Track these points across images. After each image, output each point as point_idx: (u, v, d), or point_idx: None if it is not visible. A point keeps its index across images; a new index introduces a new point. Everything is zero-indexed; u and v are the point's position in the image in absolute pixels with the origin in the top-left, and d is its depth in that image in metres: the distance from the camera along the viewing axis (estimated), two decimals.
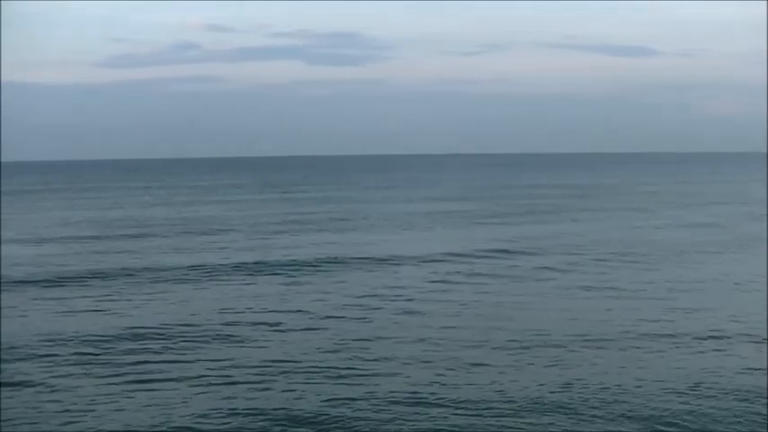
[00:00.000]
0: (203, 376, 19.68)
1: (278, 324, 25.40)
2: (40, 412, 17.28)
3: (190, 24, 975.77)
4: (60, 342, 23.11)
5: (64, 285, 32.91)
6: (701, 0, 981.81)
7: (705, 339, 23.11)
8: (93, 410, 17.45)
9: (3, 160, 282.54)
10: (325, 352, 21.90)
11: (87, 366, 20.70)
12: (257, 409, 17.38)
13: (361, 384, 19.00)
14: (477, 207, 73.69)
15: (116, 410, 17.43)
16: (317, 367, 20.34)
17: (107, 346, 22.72)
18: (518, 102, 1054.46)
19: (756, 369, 20.00)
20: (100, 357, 21.57)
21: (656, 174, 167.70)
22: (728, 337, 23.23)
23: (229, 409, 17.38)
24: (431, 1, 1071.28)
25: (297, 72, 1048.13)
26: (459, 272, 35.56)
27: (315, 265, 37.52)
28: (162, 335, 23.82)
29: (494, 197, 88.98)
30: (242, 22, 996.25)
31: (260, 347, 22.63)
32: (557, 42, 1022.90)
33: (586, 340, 23.06)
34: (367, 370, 20.16)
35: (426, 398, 17.94)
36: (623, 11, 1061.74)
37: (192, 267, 37.10)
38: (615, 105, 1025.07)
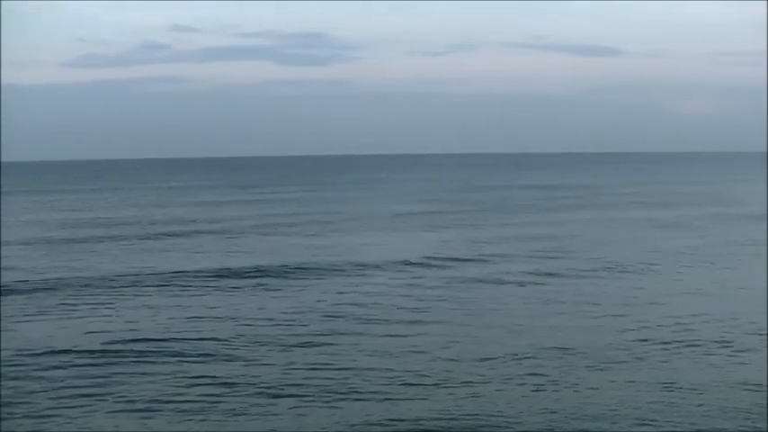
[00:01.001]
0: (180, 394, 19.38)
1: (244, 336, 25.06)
2: None
3: (156, 25, 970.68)
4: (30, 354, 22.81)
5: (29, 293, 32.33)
6: (670, 0, 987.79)
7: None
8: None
9: None
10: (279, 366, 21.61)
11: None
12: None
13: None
14: (443, 209, 73.52)
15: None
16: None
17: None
18: (486, 102, 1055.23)
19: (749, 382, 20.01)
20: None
21: (625, 173, 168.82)
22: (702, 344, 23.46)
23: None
24: (399, 1, 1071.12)
25: (265, 72, 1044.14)
26: (425, 277, 35.29)
27: (257, 272, 36.56)
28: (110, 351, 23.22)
29: (462, 199, 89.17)
30: (209, 23, 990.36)
31: (230, 362, 22.18)
32: (524, 42, 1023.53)
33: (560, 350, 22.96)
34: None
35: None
36: (591, 11, 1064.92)
37: (153, 274, 36.61)
38: (584, 105, 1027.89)
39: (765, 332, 24.27)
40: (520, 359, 21.80)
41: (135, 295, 31.84)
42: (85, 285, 33.85)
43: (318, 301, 30.25)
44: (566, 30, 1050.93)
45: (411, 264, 38.93)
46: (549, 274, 35.65)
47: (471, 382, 19.75)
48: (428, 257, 40.51)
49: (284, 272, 36.67)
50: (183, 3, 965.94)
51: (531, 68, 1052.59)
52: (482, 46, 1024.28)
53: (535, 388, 19.33)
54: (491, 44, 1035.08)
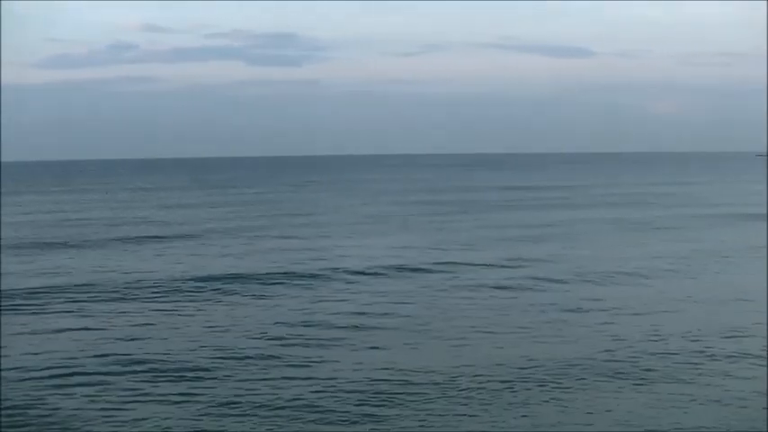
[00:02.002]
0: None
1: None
2: None
3: (125, 25, 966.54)
4: None
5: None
6: (639, 1, 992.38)
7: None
8: None
9: None
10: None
11: None
12: None
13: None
14: (408, 211, 73.52)
15: None
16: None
17: None
18: (456, 102, 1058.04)
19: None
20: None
21: (595, 174, 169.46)
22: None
23: None
24: (369, 1, 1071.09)
25: (236, 72, 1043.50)
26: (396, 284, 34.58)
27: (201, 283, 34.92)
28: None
29: (429, 201, 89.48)
30: (179, 23, 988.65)
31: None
32: (495, 43, 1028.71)
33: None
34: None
35: None
36: (561, 12, 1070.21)
37: (116, 281, 35.49)
38: (554, 106, 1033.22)
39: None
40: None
41: (92, 306, 30.31)
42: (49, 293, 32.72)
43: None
44: (536, 30, 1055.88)
45: (380, 270, 37.92)
46: (511, 279, 35.51)
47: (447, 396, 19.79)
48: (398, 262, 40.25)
49: (252, 279, 35.58)
50: (154, 3, 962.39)
51: (503, 69, 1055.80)
52: (453, 46, 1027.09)
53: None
54: (462, 44, 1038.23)
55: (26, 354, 23.17)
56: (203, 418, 18.08)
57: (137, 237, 53.43)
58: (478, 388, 19.70)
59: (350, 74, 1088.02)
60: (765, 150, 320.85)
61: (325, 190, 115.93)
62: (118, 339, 25.09)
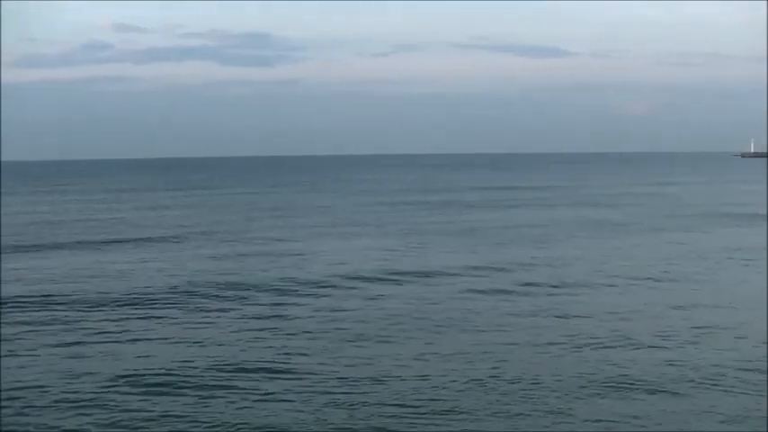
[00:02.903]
0: None
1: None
2: None
3: (100, 24, 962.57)
4: None
5: None
6: (614, 0, 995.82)
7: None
8: None
9: None
10: None
11: None
12: None
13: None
14: (382, 214, 73.26)
15: None
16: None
17: None
18: (430, 102, 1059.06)
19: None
20: None
21: (572, 174, 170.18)
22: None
23: None
24: (343, 1, 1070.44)
25: (210, 73, 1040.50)
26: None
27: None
28: None
29: (404, 202, 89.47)
30: (153, 23, 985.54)
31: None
32: (468, 43, 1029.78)
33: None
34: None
35: None
36: (535, 12, 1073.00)
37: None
38: (529, 106, 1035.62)
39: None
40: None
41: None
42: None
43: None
44: (509, 30, 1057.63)
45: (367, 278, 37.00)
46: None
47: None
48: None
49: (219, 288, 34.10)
50: (128, 2, 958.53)
51: (477, 69, 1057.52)
52: (426, 46, 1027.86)
53: None
54: (435, 44, 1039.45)
55: None
56: None
57: (113, 239, 52.97)
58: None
59: (324, 74, 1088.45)
60: (744, 150, 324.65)
61: (301, 191, 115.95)
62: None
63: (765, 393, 19.51)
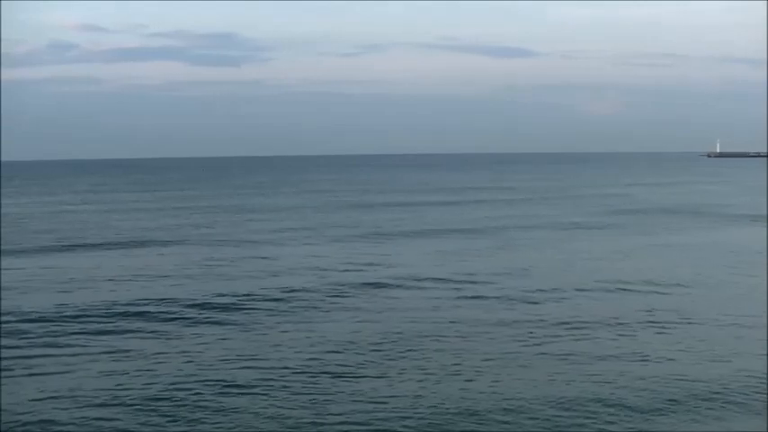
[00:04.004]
0: None
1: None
2: None
3: (65, 24, 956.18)
4: None
5: None
6: (580, 1, 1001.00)
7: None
8: None
9: None
10: None
11: None
12: None
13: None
14: (341, 218, 72.96)
15: None
16: None
17: None
18: (396, 103, 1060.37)
19: None
20: None
21: (538, 174, 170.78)
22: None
23: None
24: (309, 1, 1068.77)
25: (176, 73, 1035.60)
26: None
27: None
28: None
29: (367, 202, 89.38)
30: (118, 23, 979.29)
31: None
32: (434, 43, 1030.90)
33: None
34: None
35: None
36: (502, 12, 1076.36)
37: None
38: (495, 106, 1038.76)
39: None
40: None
41: None
42: None
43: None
44: (475, 31, 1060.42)
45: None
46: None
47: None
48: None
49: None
50: (93, 3, 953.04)
51: (442, 69, 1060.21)
52: (391, 47, 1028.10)
53: None
54: (400, 45, 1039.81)
55: None
56: None
57: (78, 244, 52.33)
58: None
59: (290, 74, 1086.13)
60: (710, 150, 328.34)
61: (264, 194, 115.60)
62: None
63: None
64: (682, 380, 21.15)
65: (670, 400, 19.65)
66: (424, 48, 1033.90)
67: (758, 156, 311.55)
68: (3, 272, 40.10)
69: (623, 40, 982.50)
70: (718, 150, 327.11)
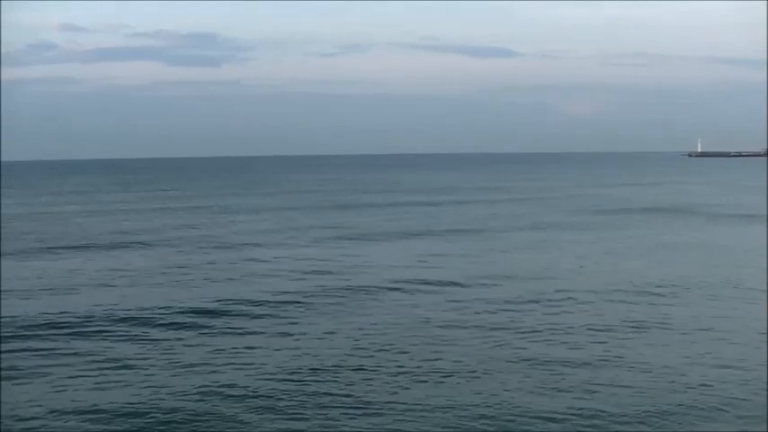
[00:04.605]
0: None
1: None
2: None
3: (45, 24, 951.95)
4: None
5: None
6: (560, 0, 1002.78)
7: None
8: None
9: None
10: None
11: None
12: None
13: None
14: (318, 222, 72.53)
15: None
16: None
17: None
18: (377, 103, 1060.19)
19: None
20: None
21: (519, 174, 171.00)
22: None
23: None
24: (289, 1, 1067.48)
25: (156, 73, 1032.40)
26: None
27: None
28: None
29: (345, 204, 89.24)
30: (98, 23, 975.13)
31: None
32: (416, 43, 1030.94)
33: None
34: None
35: None
36: (482, 12, 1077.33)
37: None
38: (477, 106, 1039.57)
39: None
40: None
41: None
42: None
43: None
44: (457, 31, 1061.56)
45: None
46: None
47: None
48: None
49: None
50: (73, 2, 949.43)
51: (424, 69, 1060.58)
52: (372, 47, 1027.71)
53: None
54: (382, 45, 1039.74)
55: None
56: None
57: (61, 246, 51.82)
58: None
59: (271, 74, 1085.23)
60: (691, 150, 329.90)
61: (242, 193, 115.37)
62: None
63: None
64: (679, 386, 20.91)
65: (668, 409, 19.37)
66: (406, 48, 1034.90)
67: (739, 155, 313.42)
68: None
69: (605, 40, 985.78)
70: (699, 150, 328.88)
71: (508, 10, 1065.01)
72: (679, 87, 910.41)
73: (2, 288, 35.72)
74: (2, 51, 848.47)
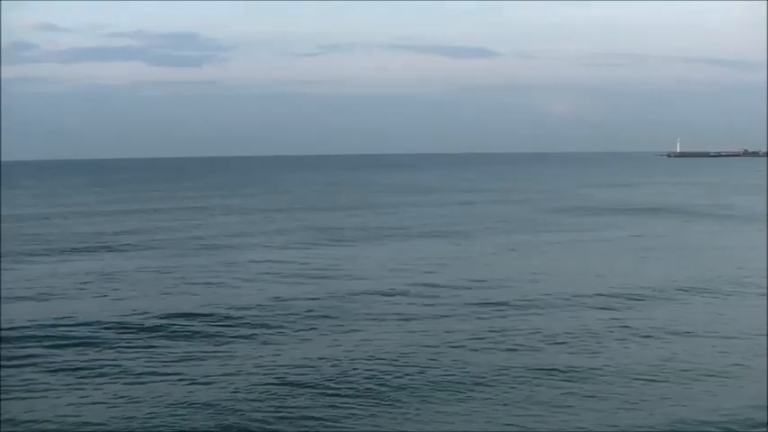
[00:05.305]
0: None
1: None
2: None
3: (23, 24, 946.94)
4: None
5: None
6: (539, 1, 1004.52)
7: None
8: None
9: None
10: None
11: None
12: None
13: None
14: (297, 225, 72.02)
15: None
16: None
17: None
18: (356, 103, 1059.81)
19: None
20: None
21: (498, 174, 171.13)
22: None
23: None
24: (270, 1, 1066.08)
25: (136, 73, 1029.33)
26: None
27: None
28: None
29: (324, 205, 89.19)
30: (77, 23, 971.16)
31: None
32: (395, 43, 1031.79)
33: None
34: None
35: None
36: (460, 12, 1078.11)
37: None
38: (455, 106, 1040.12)
39: None
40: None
41: None
42: None
43: None
44: (435, 31, 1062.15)
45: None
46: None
47: None
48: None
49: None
50: (52, 2, 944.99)
51: (403, 69, 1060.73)
52: (352, 47, 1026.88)
53: None
54: (361, 45, 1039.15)
55: None
56: None
57: (45, 249, 51.23)
58: None
59: (251, 74, 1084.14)
60: (670, 150, 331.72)
61: (220, 193, 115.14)
62: None
63: None
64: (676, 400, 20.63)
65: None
66: (386, 48, 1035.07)
67: (718, 155, 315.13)
68: None
69: (583, 40, 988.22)
70: (678, 150, 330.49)
71: (484, 10, 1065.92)
72: (659, 88, 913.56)
73: None
74: None
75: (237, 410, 19.98)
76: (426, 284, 36.39)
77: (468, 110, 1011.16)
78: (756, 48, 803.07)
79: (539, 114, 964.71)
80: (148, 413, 19.86)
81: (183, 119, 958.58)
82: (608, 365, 23.20)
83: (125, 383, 22.23)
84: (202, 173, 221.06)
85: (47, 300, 34.46)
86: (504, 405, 20.16)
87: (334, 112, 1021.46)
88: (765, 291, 33.60)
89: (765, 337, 25.91)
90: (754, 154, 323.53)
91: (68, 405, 20.60)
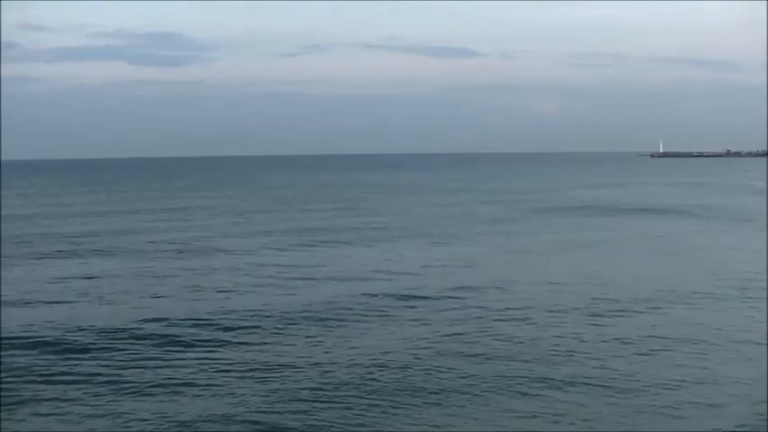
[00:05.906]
0: None
1: None
2: None
3: (5, 23, 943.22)
4: None
5: None
6: (523, 1, 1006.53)
7: None
8: None
9: None
10: None
11: None
12: None
13: None
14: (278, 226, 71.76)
15: None
16: None
17: None
18: (338, 103, 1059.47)
19: None
20: None
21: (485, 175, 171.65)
22: None
23: None
24: (252, 1, 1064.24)
25: (119, 72, 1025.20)
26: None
27: None
28: None
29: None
30: (59, 22, 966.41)
31: None
32: (378, 44, 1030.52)
33: None
34: None
35: None
36: (444, 12, 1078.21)
37: None
38: (439, 107, 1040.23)
39: None
40: None
41: None
42: None
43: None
44: (419, 31, 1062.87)
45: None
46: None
47: None
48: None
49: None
50: (33, 2, 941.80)
51: (386, 69, 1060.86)
52: (333, 47, 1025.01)
53: None
54: (343, 45, 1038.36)
55: None
56: None
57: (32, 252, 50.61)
58: None
59: (234, 74, 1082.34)
60: (653, 150, 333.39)
61: (194, 193, 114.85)
62: None
63: None
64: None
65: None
66: (367, 48, 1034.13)
67: (701, 155, 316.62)
68: None
69: (567, 40, 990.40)
70: (661, 150, 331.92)
71: (468, 10, 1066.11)
72: (643, 88, 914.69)
73: None
74: None
75: (239, 420, 19.80)
76: (411, 288, 36.05)
77: (454, 110, 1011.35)
78: (743, 48, 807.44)
79: (524, 114, 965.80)
80: (144, 419, 19.73)
81: (173, 118, 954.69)
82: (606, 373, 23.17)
83: (112, 390, 21.94)
84: (187, 173, 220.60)
85: (31, 305, 33.82)
86: (500, 412, 20.05)
87: (325, 113, 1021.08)
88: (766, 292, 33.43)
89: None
90: (737, 154, 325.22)
91: (50, 415, 20.34)
